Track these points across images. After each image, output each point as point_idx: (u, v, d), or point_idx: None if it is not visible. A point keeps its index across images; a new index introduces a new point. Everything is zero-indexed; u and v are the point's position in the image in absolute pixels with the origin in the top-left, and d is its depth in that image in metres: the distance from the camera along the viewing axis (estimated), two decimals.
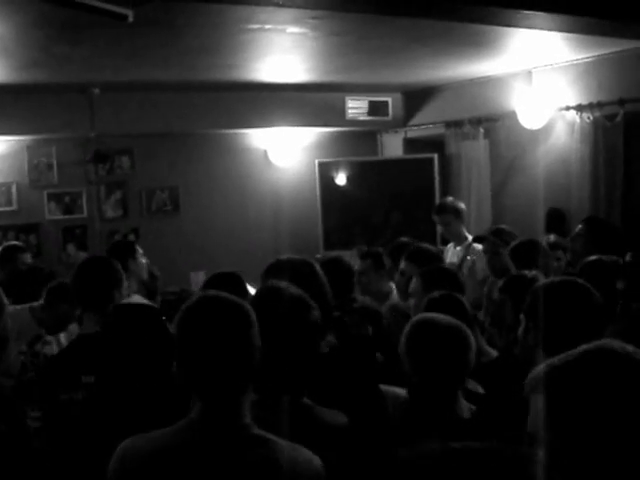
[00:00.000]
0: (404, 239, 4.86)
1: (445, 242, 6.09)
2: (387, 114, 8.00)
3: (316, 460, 1.74)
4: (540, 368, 1.30)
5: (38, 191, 7.05)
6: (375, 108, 7.94)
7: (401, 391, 2.49)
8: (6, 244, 5.84)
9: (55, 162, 7.05)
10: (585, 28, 4.60)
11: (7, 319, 2.81)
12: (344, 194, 7.71)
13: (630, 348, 1.26)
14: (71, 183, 7.14)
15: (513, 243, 4.34)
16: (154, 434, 1.75)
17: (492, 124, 6.95)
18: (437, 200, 6.77)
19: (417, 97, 7.85)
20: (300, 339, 2.04)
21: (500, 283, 3.36)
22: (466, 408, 2.35)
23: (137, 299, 3.58)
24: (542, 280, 2.79)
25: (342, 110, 7.79)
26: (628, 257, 3.98)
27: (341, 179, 7.70)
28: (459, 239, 5.60)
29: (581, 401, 1.21)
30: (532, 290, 2.43)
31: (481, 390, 2.63)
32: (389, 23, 4.45)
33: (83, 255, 6.64)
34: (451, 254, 5.61)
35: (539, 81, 6.47)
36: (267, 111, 7.37)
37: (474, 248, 5.34)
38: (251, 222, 7.79)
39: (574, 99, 6.17)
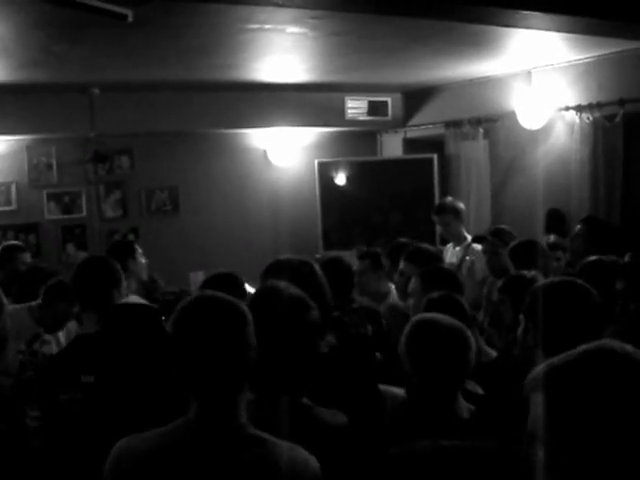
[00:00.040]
0: (402, 240, 4.86)
1: (444, 242, 6.09)
2: (387, 114, 8.00)
3: (313, 460, 1.74)
4: (540, 368, 1.30)
5: (37, 191, 7.05)
6: (375, 108, 7.94)
7: (400, 391, 2.49)
8: (5, 244, 5.83)
9: (55, 162, 7.06)
10: (585, 28, 4.60)
11: (6, 318, 2.81)
12: (343, 194, 7.71)
13: (629, 348, 1.26)
14: (71, 183, 7.15)
15: (512, 243, 4.34)
16: (149, 434, 1.75)
17: (492, 124, 6.95)
18: (436, 200, 6.77)
19: (417, 97, 7.85)
20: (299, 339, 2.04)
21: (499, 283, 3.37)
22: (465, 408, 2.35)
23: (134, 299, 3.58)
24: (541, 280, 2.79)
25: (342, 110, 7.80)
26: (627, 258, 3.99)
27: (340, 179, 7.70)
28: (458, 239, 5.60)
29: (581, 401, 1.21)
30: (531, 290, 2.43)
31: (480, 391, 2.63)
32: (389, 23, 4.45)
33: (83, 255, 6.64)
34: (450, 254, 5.61)
35: (539, 81, 6.48)
36: (267, 111, 7.38)
37: (473, 248, 5.34)
38: (251, 222, 7.79)
39: (574, 99, 6.17)
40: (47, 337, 3.95)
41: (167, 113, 6.97)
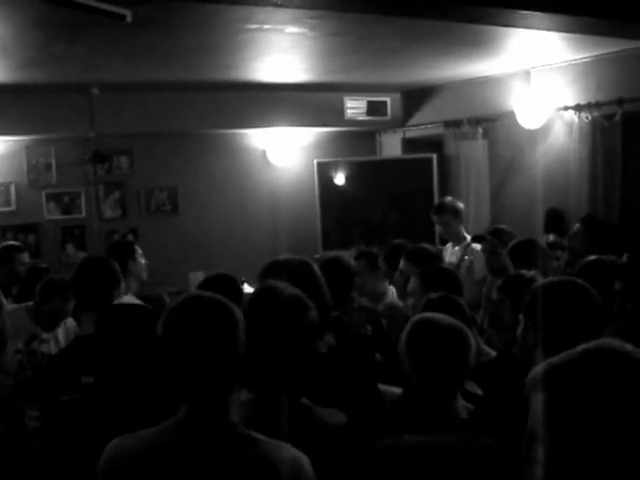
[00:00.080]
0: (398, 241, 4.83)
1: (444, 242, 6.09)
2: (386, 114, 8.00)
3: (304, 459, 1.73)
4: (540, 367, 1.30)
5: (37, 191, 7.05)
6: (374, 108, 7.94)
7: (399, 391, 2.50)
8: (3, 244, 5.83)
9: (54, 162, 7.06)
10: (583, 28, 4.60)
11: (5, 318, 2.81)
12: (343, 194, 7.71)
13: (630, 347, 1.26)
14: (70, 183, 7.14)
15: (512, 243, 4.34)
16: (142, 433, 1.76)
17: (491, 124, 6.95)
18: (436, 200, 6.77)
19: (416, 97, 7.85)
20: (297, 339, 2.04)
21: (498, 283, 3.37)
22: (464, 408, 2.35)
23: (128, 299, 3.58)
24: (540, 280, 2.80)
25: (341, 110, 7.79)
26: (625, 258, 3.99)
27: (340, 179, 7.70)
28: (458, 239, 5.60)
29: (581, 400, 1.21)
30: (531, 290, 2.43)
31: (479, 392, 2.63)
32: (388, 23, 4.45)
33: (82, 255, 6.64)
34: (449, 254, 5.61)
35: (537, 81, 6.48)
36: (266, 111, 7.37)
37: (472, 248, 5.34)
38: (250, 222, 7.79)
39: (572, 99, 6.17)
40: (45, 336, 3.95)
41: (166, 113, 6.96)
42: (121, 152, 7.32)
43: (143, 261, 4.43)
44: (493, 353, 3.25)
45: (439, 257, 4.59)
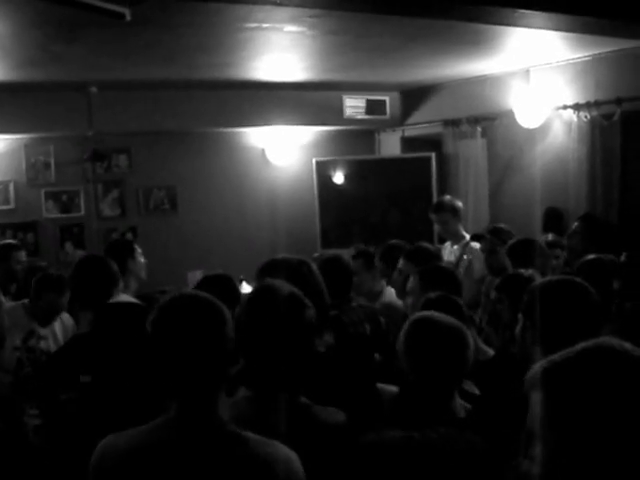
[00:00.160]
0: (395, 241, 4.82)
1: (442, 241, 6.09)
2: (385, 113, 7.99)
3: (294, 457, 1.74)
4: (539, 366, 1.30)
5: (35, 189, 7.05)
6: (373, 107, 7.93)
7: (397, 389, 2.50)
8: (0, 242, 5.83)
9: (53, 160, 7.05)
10: (583, 27, 4.60)
11: (4, 316, 2.81)
12: (341, 193, 7.71)
13: (628, 346, 1.26)
14: (69, 181, 7.14)
15: (510, 242, 4.35)
16: (132, 431, 1.77)
17: (490, 123, 6.96)
18: (434, 199, 6.77)
19: (415, 96, 7.85)
20: (295, 338, 2.04)
21: (497, 282, 3.37)
22: (461, 407, 2.35)
23: (124, 298, 3.58)
24: (539, 279, 2.80)
25: (340, 109, 7.79)
26: (623, 257, 3.99)
27: (339, 178, 7.70)
28: (456, 238, 5.60)
29: (580, 398, 1.21)
30: (530, 289, 2.43)
31: (477, 391, 2.63)
32: (386, 22, 4.45)
33: (81, 254, 6.64)
34: (448, 253, 5.61)
35: (537, 80, 6.48)
36: (265, 110, 7.37)
37: (471, 247, 5.34)
38: (249, 221, 7.79)
39: (571, 98, 6.17)
40: (43, 332, 3.97)
41: (165, 112, 6.96)
42: (120, 151, 7.31)
43: (142, 260, 4.43)
44: (491, 352, 3.25)
45: (438, 256, 4.59)
